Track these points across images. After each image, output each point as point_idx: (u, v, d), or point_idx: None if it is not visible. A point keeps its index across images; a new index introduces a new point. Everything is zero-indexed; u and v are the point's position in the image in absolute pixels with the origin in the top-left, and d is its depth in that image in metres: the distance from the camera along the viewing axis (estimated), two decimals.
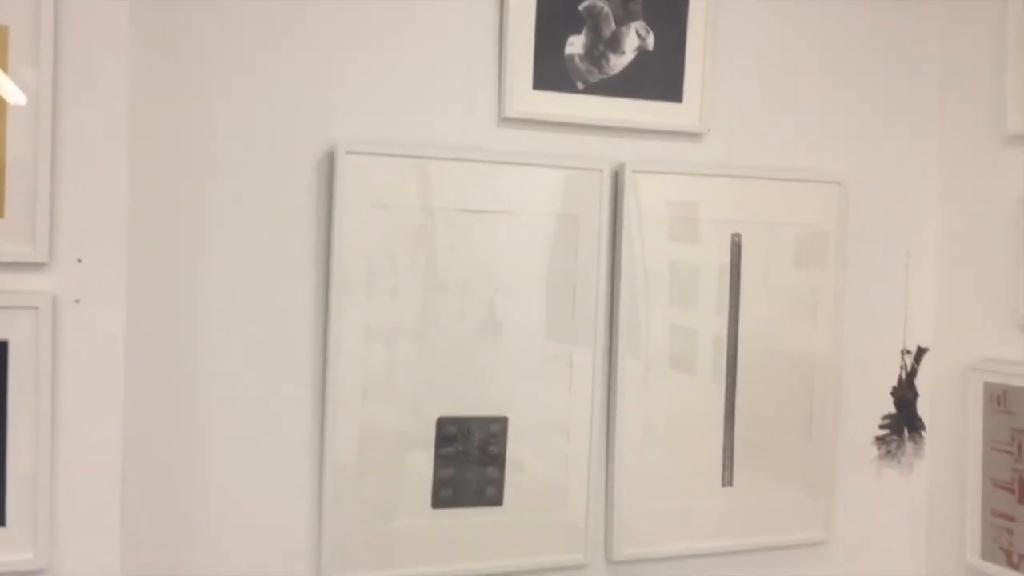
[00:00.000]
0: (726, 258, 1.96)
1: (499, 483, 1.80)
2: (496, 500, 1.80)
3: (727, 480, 1.96)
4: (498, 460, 1.80)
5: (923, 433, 1.50)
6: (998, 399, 1.95)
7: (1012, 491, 1.92)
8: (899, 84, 2.12)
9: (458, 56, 1.78)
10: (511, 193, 1.80)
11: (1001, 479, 1.94)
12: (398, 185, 1.71)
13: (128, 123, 1.44)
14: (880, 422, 1.52)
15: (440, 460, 1.76)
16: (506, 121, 1.81)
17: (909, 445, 1.49)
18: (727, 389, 1.97)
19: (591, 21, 1.84)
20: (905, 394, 1.49)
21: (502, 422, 1.80)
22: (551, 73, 1.81)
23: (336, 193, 1.67)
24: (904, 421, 1.49)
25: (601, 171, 1.85)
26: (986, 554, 1.97)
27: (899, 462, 1.48)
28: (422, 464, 1.75)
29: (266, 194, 1.67)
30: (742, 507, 1.97)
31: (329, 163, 1.69)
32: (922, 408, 2.10)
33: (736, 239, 1.96)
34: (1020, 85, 1.93)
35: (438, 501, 1.76)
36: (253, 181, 1.66)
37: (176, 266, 1.62)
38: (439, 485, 1.76)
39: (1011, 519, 1.92)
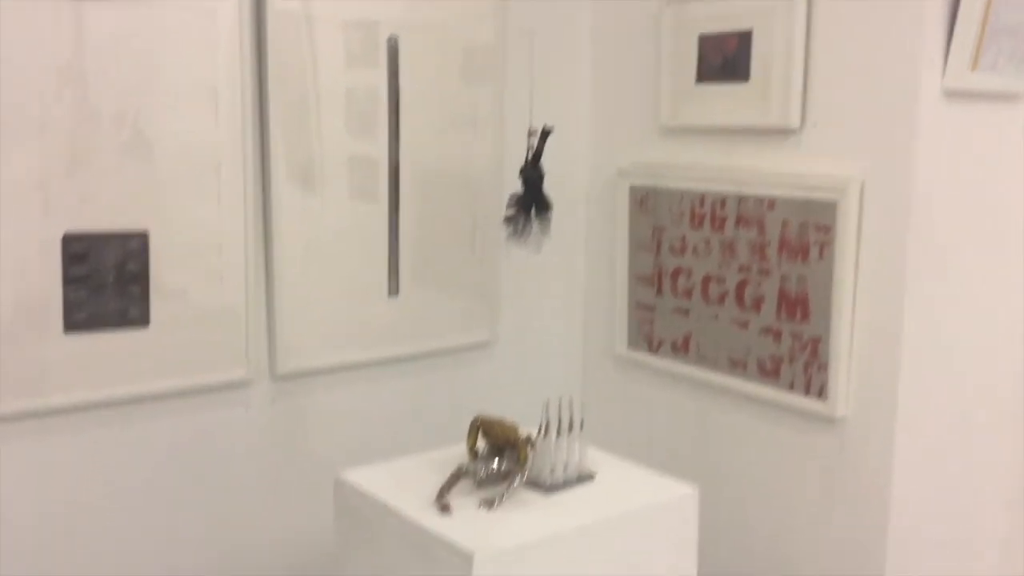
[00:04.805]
0: (384, 66, 1.88)
1: (142, 303, 1.66)
2: (141, 321, 1.66)
3: (393, 289, 1.96)
4: (139, 279, 1.65)
5: (550, 214, 1.55)
6: (641, 200, 2.09)
7: (653, 284, 2.08)
8: None
9: None
10: None
11: (644, 274, 2.10)
12: None
13: None
14: (507, 202, 1.55)
15: (70, 281, 1.58)
16: None
17: (535, 225, 1.53)
18: (390, 200, 1.93)
19: None
20: (531, 174, 1.51)
21: (142, 237, 1.64)
22: None
23: None
24: (530, 200, 1.52)
25: None
26: (632, 343, 2.15)
27: (526, 242, 1.53)
28: (48, 286, 1.56)
29: None
30: (409, 315, 1.98)
31: None
32: (578, 214, 2.21)
33: (392, 42, 1.88)
34: None
35: (71, 325, 1.59)
36: None
37: None
38: (71, 308, 1.59)
39: (652, 309, 2.09)
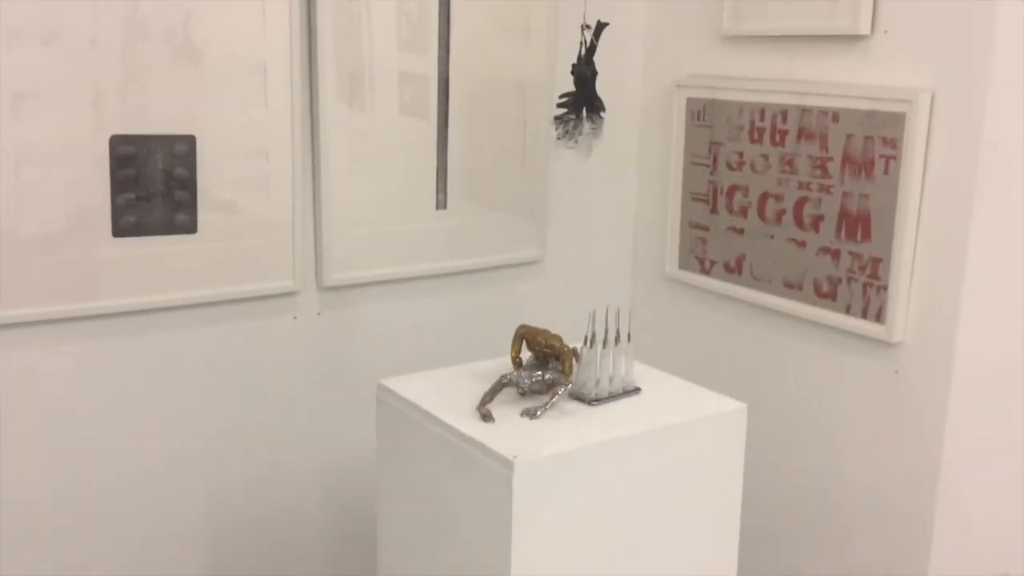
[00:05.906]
0: None
1: (191, 208, 1.65)
2: (189, 227, 1.66)
3: (441, 203, 1.93)
4: (188, 184, 1.64)
5: (602, 114, 1.48)
6: (698, 114, 2.01)
7: (707, 202, 2.02)
8: None
9: None
10: None
11: (698, 192, 2.04)
12: None
13: None
14: (558, 100, 1.48)
15: (119, 184, 1.58)
16: None
17: (587, 125, 1.46)
18: (439, 114, 1.89)
19: None
20: (584, 71, 1.44)
21: (189, 141, 1.63)
22: None
23: None
24: (583, 100, 1.45)
25: None
26: (683, 264, 2.10)
27: (576, 142, 1.46)
28: (95, 189, 1.56)
29: None
30: (457, 229, 1.95)
31: None
32: (630, 128, 2.15)
33: None
34: None
35: (120, 229, 1.59)
36: None
37: None
38: (120, 212, 1.59)
39: (705, 229, 2.03)
